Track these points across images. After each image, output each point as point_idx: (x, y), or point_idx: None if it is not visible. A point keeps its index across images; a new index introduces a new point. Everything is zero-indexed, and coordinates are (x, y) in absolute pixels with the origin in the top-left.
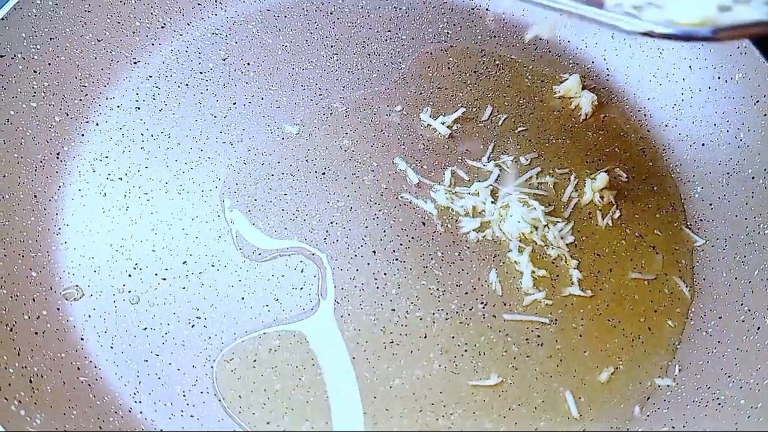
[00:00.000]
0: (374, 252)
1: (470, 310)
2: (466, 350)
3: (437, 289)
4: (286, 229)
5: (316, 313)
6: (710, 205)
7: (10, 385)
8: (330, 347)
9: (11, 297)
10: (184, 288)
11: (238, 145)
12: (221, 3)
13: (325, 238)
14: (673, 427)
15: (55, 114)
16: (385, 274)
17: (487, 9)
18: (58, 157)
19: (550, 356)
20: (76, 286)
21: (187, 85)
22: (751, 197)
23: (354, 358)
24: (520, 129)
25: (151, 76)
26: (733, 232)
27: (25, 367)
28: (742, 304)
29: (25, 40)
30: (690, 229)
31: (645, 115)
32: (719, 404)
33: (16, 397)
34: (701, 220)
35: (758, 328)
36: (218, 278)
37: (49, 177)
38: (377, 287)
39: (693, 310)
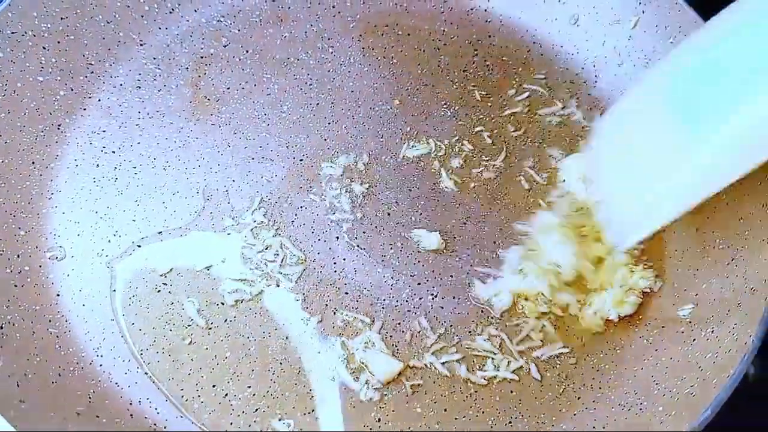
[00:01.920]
0: (337, 238)
1: (419, 299)
2: (409, 337)
3: (391, 278)
4: (256, 210)
5: (277, 288)
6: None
7: None
8: (285, 320)
9: None
10: (156, 256)
11: (224, 128)
12: None
13: (292, 221)
14: (594, 428)
15: (60, 88)
16: (344, 259)
17: (485, 10)
18: (58, 129)
19: (494, 353)
20: (60, 247)
21: (187, 68)
22: (713, 212)
23: (303, 332)
24: (496, 129)
25: (155, 58)
26: (692, 244)
27: None
28: (684, 316)
29: (37, 19)
30: (652, 239)
31: None
32: (641, 409)
33: None
34: (664, 231)
35: (694, 340)
36: (188, 249)
37: (48, 146)
38: (335, 270)
39: (640, 318)
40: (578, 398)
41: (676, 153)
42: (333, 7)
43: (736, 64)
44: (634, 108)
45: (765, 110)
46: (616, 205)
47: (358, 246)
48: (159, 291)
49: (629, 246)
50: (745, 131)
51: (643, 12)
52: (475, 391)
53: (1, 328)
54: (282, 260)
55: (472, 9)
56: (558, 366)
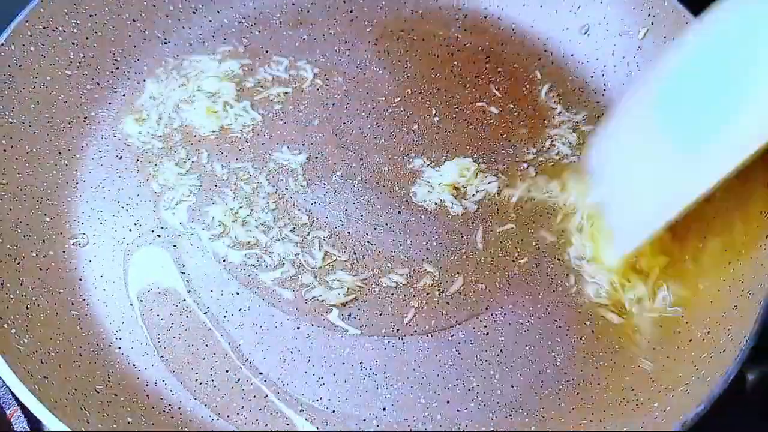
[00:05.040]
0: (349, 233)
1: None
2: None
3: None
4: (267, 193)
5: (291, 279)
6: (677, 221)
7: (7, 308)
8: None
9: (24, 236)
10: (174, 246)
11: (245, 126)
12: None
13: (308, 215)
14: (591, 421)
15: (87, 82)
16: (367, 241)
17: (498, 18)
18: (84, 121)
19: (492, 345)
20: (83, 234)
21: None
22: (714, 218)
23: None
24: (506, 134)
25: (177, 56)
26: (693, 248)
27: (24, 295)
28: (683, 317)
29: (67, 15)
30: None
31: None
32: (637, 405)
33: (10, 318)
34: (673, 237)
35: (690, 339)
36: (206, 240)
37: (74, 137)
38: (354, 259)
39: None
40: (577, 393)
41: (666, 169)
42: (350, 11)
43: (717, 85)
44: (626, 125)
45: (739, 132)
46: (620, 211)
47: (375, 229)
48: (177, 279)
49: (632, 249)
50: (721, 151)
51: (652, 23)
52: (477, 385)
53: (27, 308)
54: (301, 252)
55: (485, 17)
56: (558, 363)
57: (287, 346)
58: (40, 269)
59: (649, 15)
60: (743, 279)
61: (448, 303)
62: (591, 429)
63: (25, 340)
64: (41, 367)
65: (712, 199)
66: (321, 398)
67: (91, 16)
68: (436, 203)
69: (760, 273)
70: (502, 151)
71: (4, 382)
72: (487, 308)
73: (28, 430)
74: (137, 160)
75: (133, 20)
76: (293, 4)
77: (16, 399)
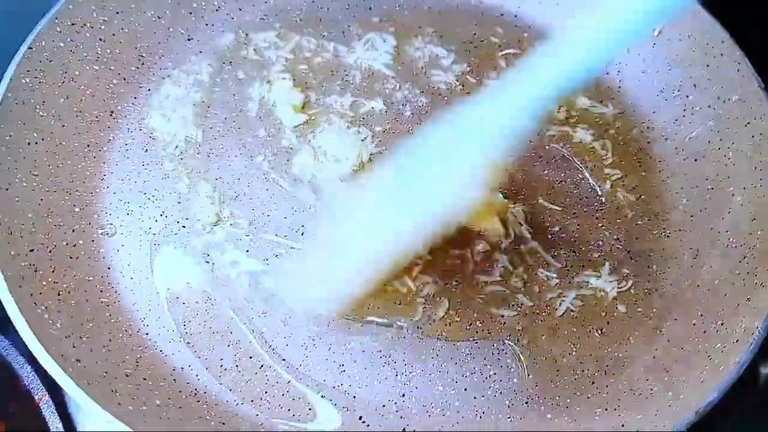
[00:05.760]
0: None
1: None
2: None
3: None
4: (283, 180)
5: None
6: (691, 217)
7: (41, 293)
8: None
9: (55, 225)
10: (199, 236)
11: (266, 120)
12: None
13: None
14: (606, 410)
15: (113, 78)
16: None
17: (515, 15)
18: (111, 115)
19: (509, 335)
20: (111, 224)
21: (230, 63)
22: (728, 213)
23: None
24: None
25: (201, 52)
26: (706, 243)
27: (56, 282)
28: (697, 309)
29: (95, 12)
30: (668, 238)
31: (648, 128)
32: (651, 394)
33: (44, 304)
34: (680, 230)
35: (704, 332)
36: (230, 230)
37: (101, 130)
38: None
39: (654, 310)
40: (592, 383)
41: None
42: (369, 9)
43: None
44: None
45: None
46: None
47: None
48: (202, 268)
49: None
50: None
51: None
52: (495, 373)
53: (59, 295)
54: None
55: (502, 14)
56: (573, 353)
57: (309, 334)
58: (71, 257)
59: None
60: (757, 272)
61: (466, 294)
62: (605, 417)
63: (58, 325)
64: (73, 351)
65: None
66: (342, 384)
67: (117, 13)
68: None
69: None
70: None
71: (33, 368)
72: (503, 299)
73: (57, 418)
74: (163, 152)
75: (158, 17)
76: (313, 1)
77: (45, 384)
